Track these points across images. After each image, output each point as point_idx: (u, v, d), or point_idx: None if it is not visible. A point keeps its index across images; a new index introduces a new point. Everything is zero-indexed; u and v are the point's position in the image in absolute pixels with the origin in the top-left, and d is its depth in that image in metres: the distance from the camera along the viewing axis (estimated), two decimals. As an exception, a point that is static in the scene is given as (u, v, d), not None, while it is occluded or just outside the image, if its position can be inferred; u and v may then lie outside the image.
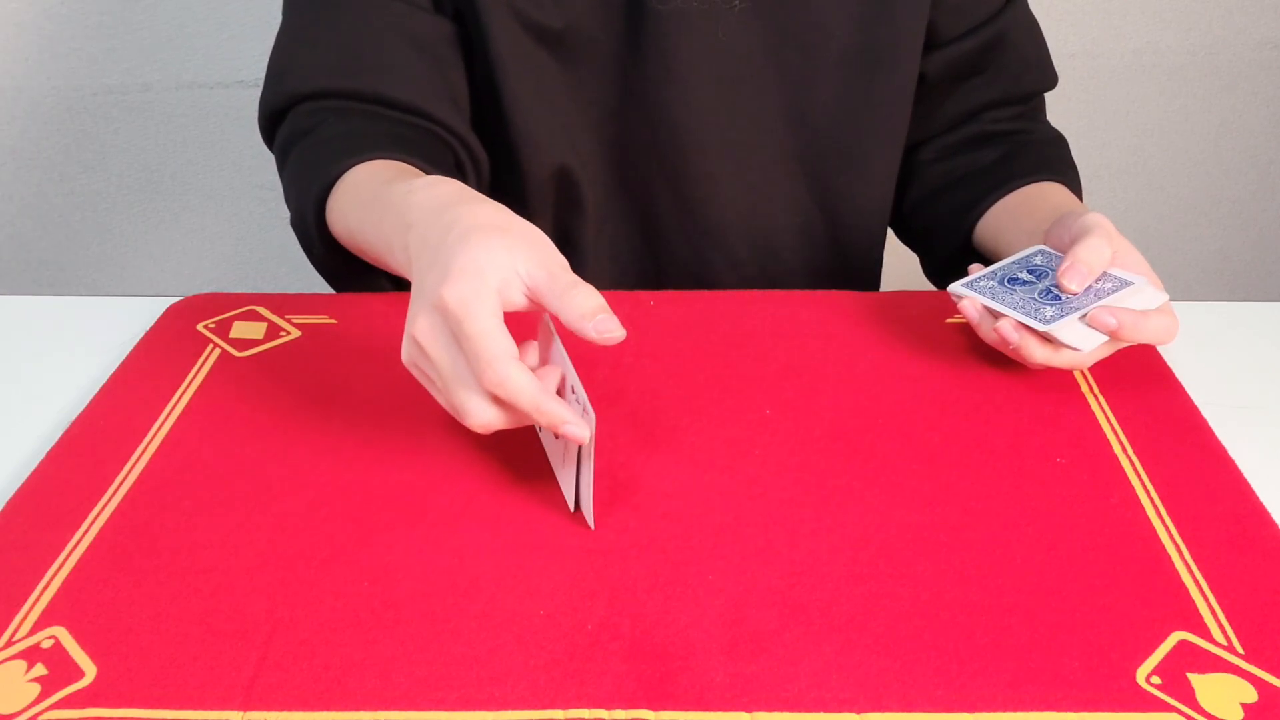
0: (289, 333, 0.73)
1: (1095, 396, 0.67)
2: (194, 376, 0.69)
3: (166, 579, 0.53)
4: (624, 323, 0.60)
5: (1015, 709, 0.46)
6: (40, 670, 0.48)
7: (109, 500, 0.58)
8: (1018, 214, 0.82)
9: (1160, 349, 0.71)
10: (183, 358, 0.71)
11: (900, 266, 1.02)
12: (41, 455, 0.62)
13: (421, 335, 0.53)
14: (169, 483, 0.60)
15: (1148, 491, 0.59)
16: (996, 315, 0.66)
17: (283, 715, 0.46)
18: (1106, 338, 0.64)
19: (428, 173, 0.71)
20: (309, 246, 0.76)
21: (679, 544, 0.55)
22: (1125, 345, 0.67)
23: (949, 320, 0.74)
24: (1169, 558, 0.54)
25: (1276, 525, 0.57)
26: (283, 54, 0.81)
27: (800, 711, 0.46)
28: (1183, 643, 0.50)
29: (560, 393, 0.56)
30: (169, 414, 0.65)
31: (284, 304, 0.77)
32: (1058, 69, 0.91)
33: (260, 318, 0.75)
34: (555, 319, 0.54)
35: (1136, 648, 0.49)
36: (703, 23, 0.80)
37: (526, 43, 0.80)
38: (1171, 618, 0.51)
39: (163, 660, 0.49)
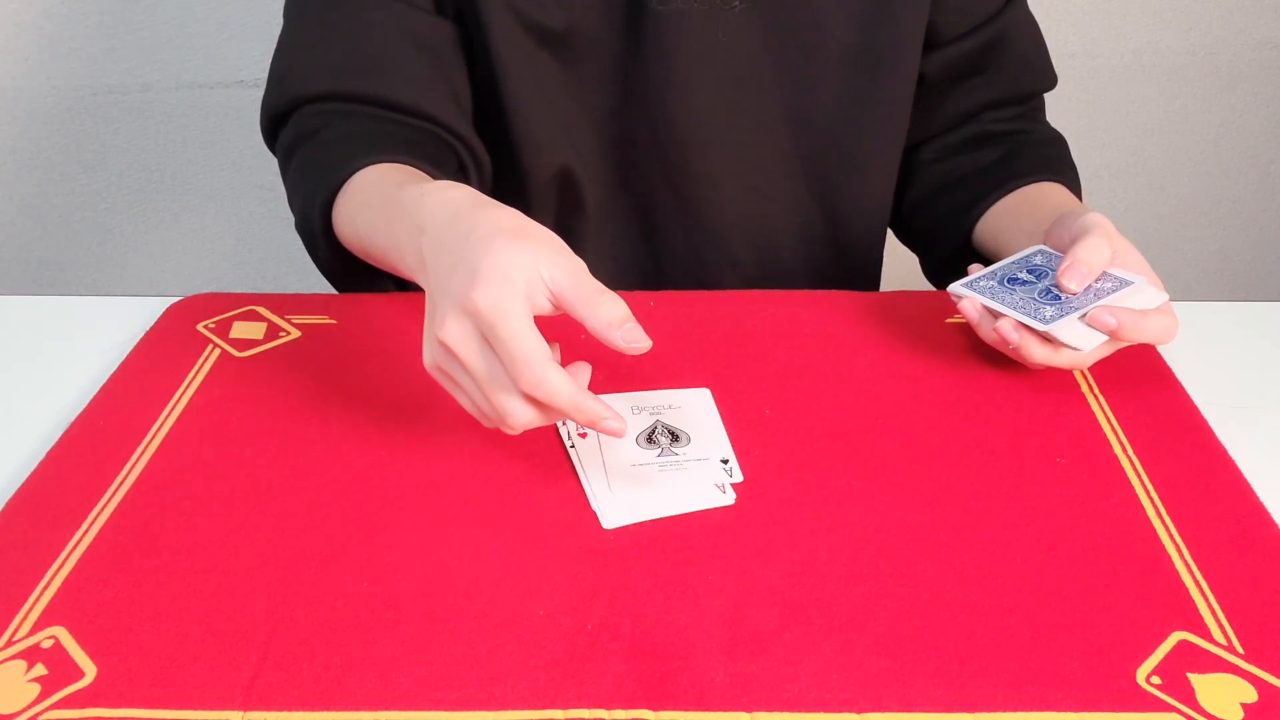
0: (289, 333, 0.73)
1: (1095, 396, 0.67)
2: (194, 376, 0.69)
3: (166, 579, 0.53)
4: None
5: (1015, 709, 0.46)
6: (40, 670, 0.48)
7: (109, 500, 0.58)
8: (1018, 214, 0.82)
9: (1160, 349, 0.71)
10: (183, 358, 0.71)
11: (900, 266, 1.02)
12: (41, 455, 0.62)
13: (451, 338, 0.53)
14: (169, 483, 0.60)
15: (1148, 491, 0.59)
16: (996, 315, 0.66)
17: (283, 715, 0.46)
18: (1106, 337, 0.64)
19: (435, 177, 0.71)
20: (314, 249, 0.76)
21: (679, 544, 0.55)
22: (1125, 345, 0.67)
23: (949, 320, 0.74)
24: (1169, 558, 0.54)
25: (1276, 525, 0.57)
26: (285, 56, 0.81)
27: (800, 711, 0.46)
28: (1183, 643, 0.50)
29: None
30: (169, 414, 0.65)
31: (284, 304, 0.77)
32: (1058, 69, 0.91)
33: (260, 318, 0.75)
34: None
35: (1136, 648, 0.49)
36: (703, 23, 0.80)
37: (527, 43, 0.80)
38: (1171, 618, 0.51)
39: (163, 660, 0.49)
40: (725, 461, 0.61)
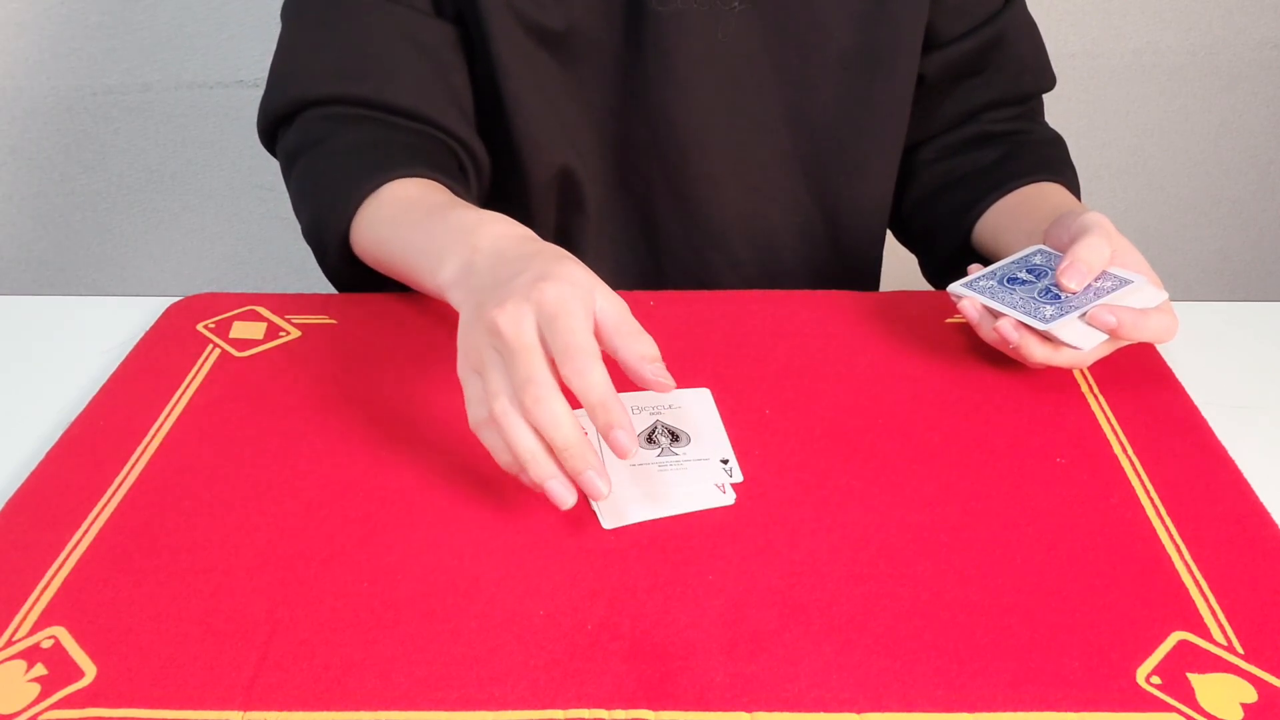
0: (289, 333, 0.73)
1: (1095, 396, 0.67)
2: (194, 376, 0.69)
3: (166, 579, 0.53)
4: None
5: (1015, 709, 0.46)
6: (40, 670, 0.48)
7: (109, 500, 0.58)
8: (1017, 214, 0.82)
9: (1160, 349, 0.71)
10: (183, 358, 0.71)
11: (900, 266, 1.02)
12: (41, 455, 0.62)
13: (506, 319, 0.53)
14: (169, 483, 0.60)
15: (1148, 491, 0.59)
16: (996, 315, 0.66)
17: (283, 715, 0.46)
18: (1106, 336, 0.64)
19: (454, 190, 0.74)
20: (323, 255, 0.76)
21: (679, 544, 0.55)
22: (1125, 344, 0.67)
23: (949, 320, 0.74)
24: (1169, 558, 0.54)
25: (1276, 525, 0.57)
26: (286, 59, 0.81)
27: (800, 711, 0.46)
28: (1183, 643, 0.50)
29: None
30: (169, 414, 0.65)
31: (284, 304, 0.77)
32: (1058, 69, 0.91)
33: (260, 318, 0.75)
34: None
35: (1136, 648, 0.49)
36: (703, 24, 0.80)
37: (528, 44, 0.80)
38: (1171, 618, 0.51)
39: (163, 660, 0.49)
40: (725, 461, 0.61)
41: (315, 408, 0.66)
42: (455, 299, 0.61)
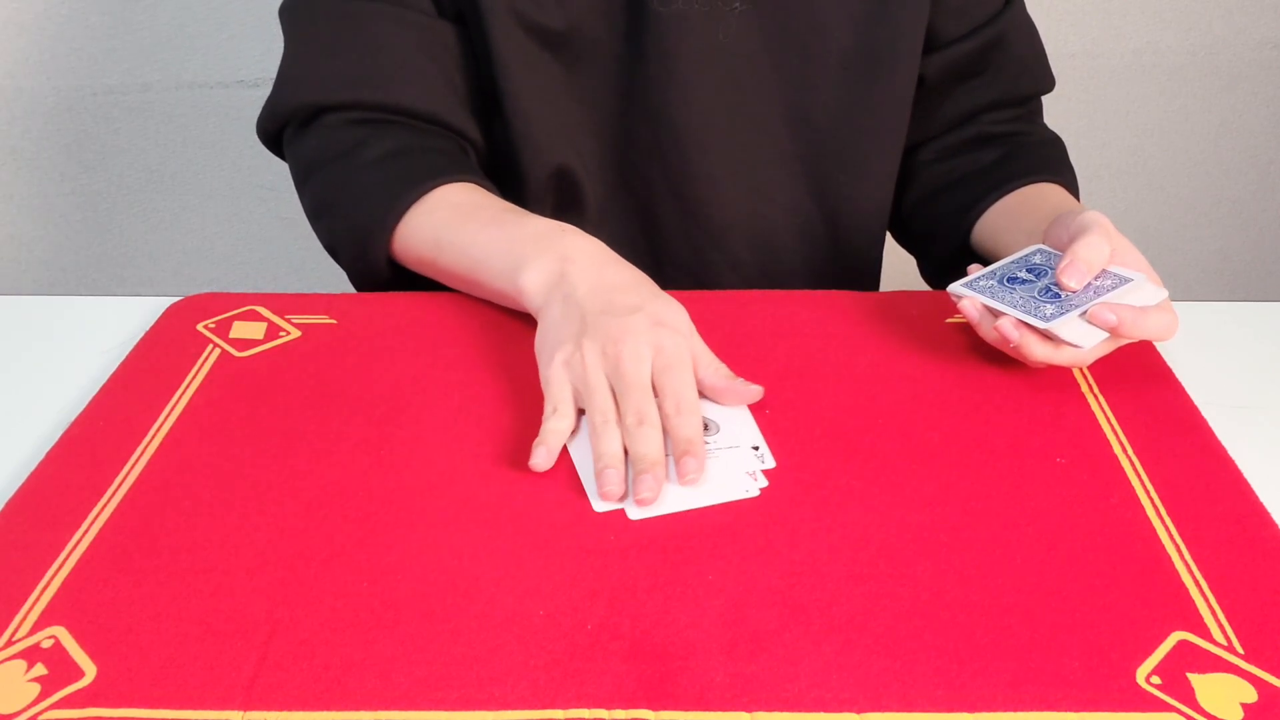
0: (289, 333, 0.73)
1: (1095, 396, 0.67)
2: (194, 376, 0.69)
3: (166, 579, 0.53)
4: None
5: (1015, 709, 0.46)
6: (40, 670, 0.48)
7: (109, 500, 0.58)
8: (1016, 214, 0.82)
9: (1160, 349, 0.71)
10: (183, 358, 0.71)
11: (900, 266, 1.02)
12: (41, 455, 0.62)
13: (628, 358, 0.62)
14: (169, 483, 0.60)
15: (1148, 491, 0.59)
16: (997, 314, 0.66)
17: (283, 715, 0.46)
18: (1107, 334, 0.64)
19: (493, 193, 0.79)
20: (360, 259, 0.78)
21: (679, 544, 0.55)
22: (1126, 342, 0.67)
23: (949, 320, 0.74)
24: (1169, 558, 0.54)
25: (1276, 525, 0.57)
26: (296, 62, 0.82)
27: (800, 711, 0.46)
28: (1183, 643, 0.50)
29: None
30: (169, 414, 0.65)
31: (284, 304, 0.77)
32: (1058, 69, 0.91)
33: (260, 318, 0.75)
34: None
35: (1136, 648, 0.49)
36: (704, 24, 0.80)
37: (528, 44, 0.80)
38: (1171, 618, 0.51)
39: (163, 660, 0.49)
40: (756, 448, 0.61)
41: (315, 408, 0.66)
42: (541, 302, 0.68)
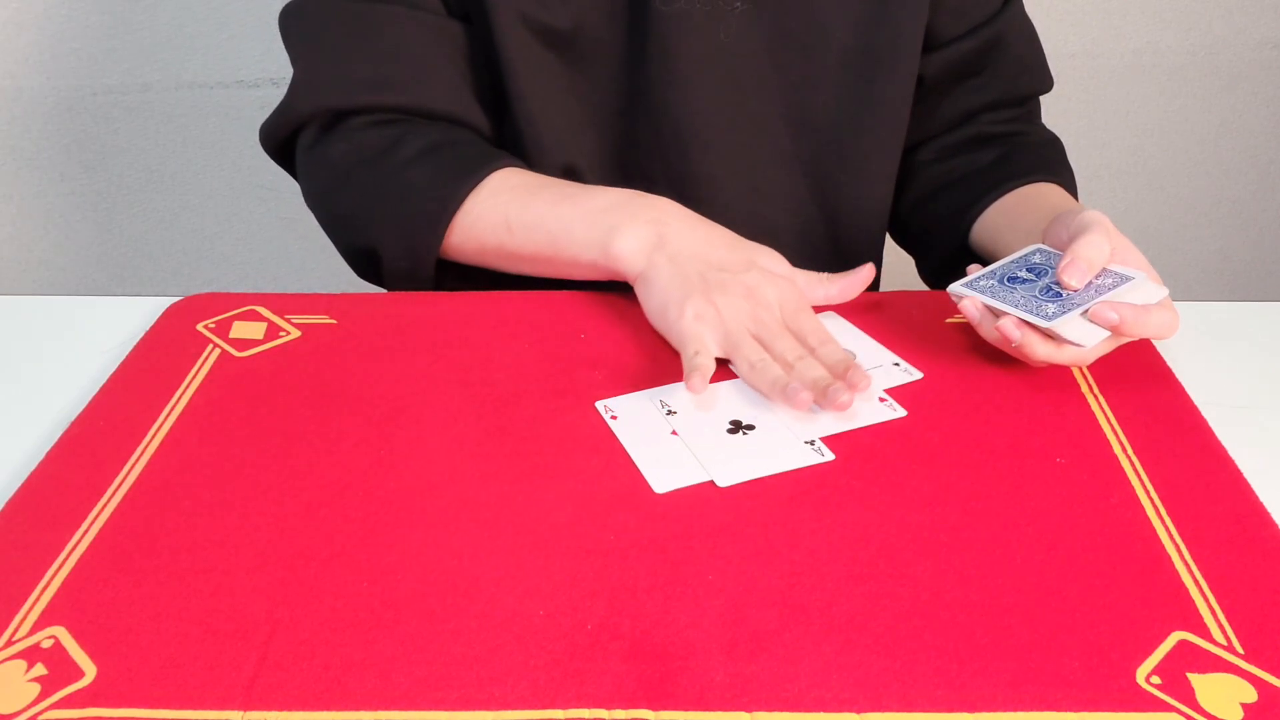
0: (289, 333, 0.73)
1: (1095, 396, 0.67)
2: (194, 376, 0.69)
3: (166, 579, 0.53)
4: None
5: (1015, 709, 0.46)
6: (40, 670, 0.48)
7: (109, 500, 0.58)
8: (1015, 214, 0.82)
9: (1160, 349, 0.71)
10: (183, 358, 0.71)
11: (900, 266, 1.02)
12: (41, 455, 0.62)
13: (763, 309, 0.69)
14: (169, 483, 0.60)
15: (1148, 491, 0.59)
16: (997, 314, 0.66)
17: (283, 715, 0.46)
18: (1109, 333, 0.64)
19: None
20: (406, 254, 0.78)
21: (679, 544, 0.55)
22: (1127, 340, 0.67)
23: (949, 320, 0.74)
24: (1169, 558, 0.54)
25: (1276, 525, 0.57)
26: (313, 67, 0.82)
27: (800, 711, 0.46)
28: (1183, 643, 0.50)
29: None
30: (169, 414, 0.65)
31: (284, 304, 0.77)
32: (1057, 69, 0.91)
33: (260, 318, 0.75)
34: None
35: (1136, 648, 0.49)
36: (705, 24, 0.80)
37: (534, 44, 0.80)
38: (1171, 618, 0.51)
39: (163, 660, 0.49)
40: (897, 364, 0.69)
41: (315, 408, 0.66)
42: (644, 264, 0.71)
